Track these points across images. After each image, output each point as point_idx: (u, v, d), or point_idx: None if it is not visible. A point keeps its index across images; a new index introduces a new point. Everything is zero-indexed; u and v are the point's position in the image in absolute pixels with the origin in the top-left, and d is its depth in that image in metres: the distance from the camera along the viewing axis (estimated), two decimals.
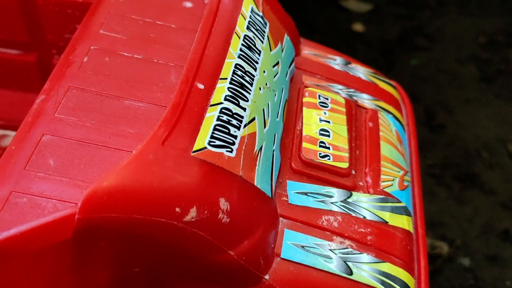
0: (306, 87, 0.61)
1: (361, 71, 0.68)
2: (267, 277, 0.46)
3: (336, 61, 0.68)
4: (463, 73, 1.50)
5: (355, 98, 0.63)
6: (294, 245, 0.48)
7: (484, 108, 1.39)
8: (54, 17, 0.76)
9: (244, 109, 0.48)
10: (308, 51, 0.67)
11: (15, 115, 0.87)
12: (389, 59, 1.51)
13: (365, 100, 0.64)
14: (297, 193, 0.51)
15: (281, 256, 0.47)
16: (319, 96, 0.60)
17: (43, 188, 0.40)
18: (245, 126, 0.47)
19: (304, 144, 0.54)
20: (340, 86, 0.63)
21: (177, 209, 0.40)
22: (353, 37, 1.57)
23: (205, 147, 0.43)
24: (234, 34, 0.53)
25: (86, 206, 0.38)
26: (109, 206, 0.38)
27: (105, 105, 0.47)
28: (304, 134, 0.55)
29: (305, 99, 0.59)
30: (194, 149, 0.43)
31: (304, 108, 0.58)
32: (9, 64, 0.82)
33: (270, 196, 0.48)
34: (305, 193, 0.52)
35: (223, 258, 0.43)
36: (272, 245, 0.46)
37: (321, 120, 0.57)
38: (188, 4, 0.58)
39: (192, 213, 0.40)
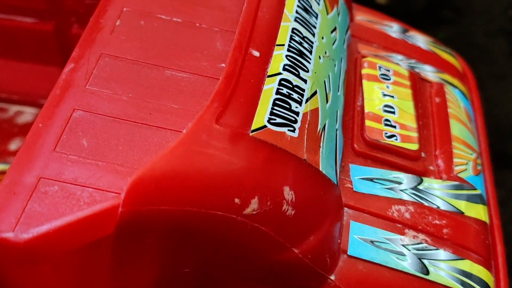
0: (364, 57, 0.53)
1: (420, 40, 0.60)
2: (333, 277, 0.39)
3: (393, 28, 0.60)
4: (492, 48, 1.41)
5: (417, 70, 0.56)
6: (362, 240, 0.41)
7: None
8: None
9: (305, 81, 0.41)
10: (362, 17, 0.59)
11: (31, 89, 0.81)
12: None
13: (428, 72, 0.56)
14: (362, 179, 0.45)
15: (348, 253, 0.40)
16: (380, 67, 0.53)
17: (77, 173, 0.33)
18: (307, 100, 0.40)
19: (368, 122, 0.47)
20: (400, 57, 0.56)
21: (236, 200, 0.33)
22: (378, 9, 1.49)
23: (265, 126, 0.37)
24: None
25: (132, 197, 0.31)
26: (158, 197, 0.31)
27: (143, 75, 0.40)
28: (366, 110, 0.48)
29: (364, 71, 0.52)
30: (252, 127, 0.36)
31: (364, 81, 0.51)
32: (24, 33, 0.75)
33: (335, 182, 0.41)
34: (371, 179, 0.45)
35: (286, 257, 0.36)
36: (338, 241, 0.40)
37: (384, 95, 0.50)
38: None
39: (253, 204, 0.34)
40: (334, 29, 0.49)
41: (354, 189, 0.43)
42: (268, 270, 0.37)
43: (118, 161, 0.34)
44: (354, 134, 0.47)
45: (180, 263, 0.35)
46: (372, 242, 0.41)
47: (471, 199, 0.47)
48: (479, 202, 0.48)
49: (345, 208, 0.42)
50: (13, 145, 0.76)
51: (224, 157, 0.33)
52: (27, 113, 0.81)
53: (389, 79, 0.52)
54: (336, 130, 0.44)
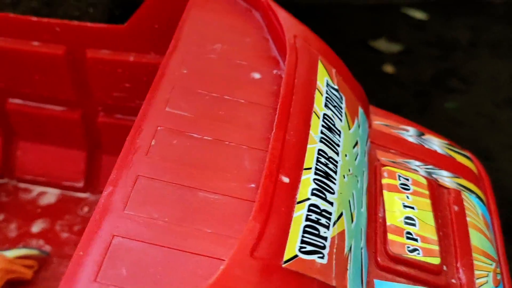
0: (383, 165, 0.56)
1: (436, 143, 0.63)
2: None
3: (409, 132, 0.62)
4: (501, 117, 1.44)
5: (434, 176, 0.58)
6: None
7: None
8: (103, 76, 0.73)
9: (332, 204, 0.43)
10: (379, 121, 0.62)
11: (56, 171, 0.84)
12: (423, 102, 1.46)
13: (445, 178, 0.58)
14: None
15: None
16: (399, 176, 0.55)
17: None
18: (334, 224, 0.42)
19: (390, 236, 0.49)
20: (417, 163, 0.58)
21: None
22: (385, 79, 1.53)
23: (297, 255, 0.38)
24: (313, 113, 0.48)
25: None
26: None
27: (177, 198, 0.42)
28: (388, 223, 0.50)
29: (384, 181, 0.54)
30: (285, 258, 0.37)
31: (384, 192, 0.53)
32: (52, 120, 0.78)
33: None
34: None
35: None
36: None
37: (405, 206, 0.52)
38: (256, 76, 0.54)
39: None
40: (356, 144, 0.52)
41: None
42: None
43: None
44: (377, 248, 0.48)
45: None
46: None
47: None
48: None
49: None
50: (35, 228, 0.78)
51: None
52: (50, 194, 0.82)
53: (409, 189, 0.54)
54: (361, 248, 0.45)
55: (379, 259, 0.47)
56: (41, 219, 0.78)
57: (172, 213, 0.41)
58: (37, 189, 0.83)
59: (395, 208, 0.51)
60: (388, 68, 1.56)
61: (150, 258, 0.38)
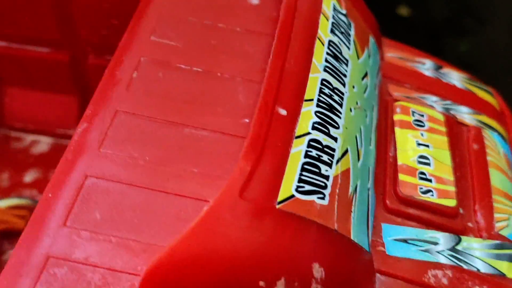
0: (396, 100, 0.50)
1: (455, 77, 0.57)
2: None
3: (426, 65, 0.57)
4: None
5: (453, 112, 0.52)
6: None
7: None
8: (89, 12, 0.67)
9: (335, 139, 0.38)
10: (392, 53, 0.56)
11: (47, 118, 0.80)
12: (436, 45, 1.38)
13: (465, 114, 0.53)
14: (396, 240, 0.41)
15: None
16: (413, 112, 0.49)
17: (89, 252, 0.31)
18: (337, 161, 0.37)
19: (401, 176, 0.44)
20: (434, 98, 0.53)
21: (261, 283, 0.30)
22: (398, 21, 1.45)
23: (293, 195, 0.34)
24: (317, 40, 0.43)
25: (149, 282, 0.29)
26: (178, 282, 0.29)
27: (161, 135, 0.37)
28: (399, 162, 0.45)
29: (396, 117, 0.49)
30: (279, 199, 0.33)
31: (396, 128, 0.48)
32: (39, 63, 0.74)
33: (367, 249, 0.38)
34: (405, 240, 0.41)
35: None
36: None
37: (418, 144, 0.47)
38: (254, 1, 0.48)
39: (280, 286, 0.31)
40: (365, 75, 0.46)
41: (387, 253, 0.40)
42: None
43: (133, 236, 0.32)
44: (386, 190, 0.43)
45: None
46: None
47: None
48: None
49: (377, 275, 0.39)
50: (28, 177, 0.75)
51: (248, 236, 0.31)
52: (42, 143, 0.79)
53: (424, 126, 0.49)
54: (368, 189, 0.41)
55: (388, 201, 0.43)
56: (34, 169, 0.75)
57: (154, 152, 0.36)
58: (29, 137, 0.79)
59: (407, 146, 0.46)
60: (403, 11, 1.48)
61: (127, 200, 0.34)
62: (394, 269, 0.40)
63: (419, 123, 0.49)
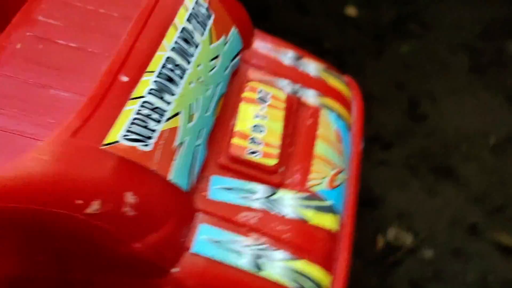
0: (249, 81, 0.61)
1: (311, 67, 0.68)
2: (175, 270, 0.47)
3: (288, 55, 0.68)
4: (453, 63, 1.47)
5: (299, 94, 0.64)
6: (207, 240, 0.49)
7: (470, 99, 1.38)
8: None
9: (169, 103, 0.49)
10: (260, 43, 0.67)
11: None
12: (379, 45, 1.50)
13: (310, 96, 0.64)
14: (220, 188, 0.53)
15: (191, 251, 0.48)
16: (260, 91, 0.61)
17: None
18: (167, 120, 0.48)
19: (234, 140, 0.55)
20: (286, 81, 0.64)
21: (78, 201, 0.41)
22: (345, 21, 1.56)
23: (117, 141, 0.45)
24: (172, 26, 0.53)
25: None
26: (8, 196, 0.39)
27: (30, 93, 0.47)
28: (236, 129, 0.56)
29: (244, 94, 0.60)
30: (104, 142, 0.44)
31: (241, 103, 0.59)
32: None
33: (185, 190, 0.49)
34: (228, 189, 0.53)
35: (128, 251, 0.44)
36: (183, 240, 0.48)
37: (256, 116, 0.58)
38: None
39: (95, 205, 0.42)
40: (216, 57, 0.57)
41: (208, 197, 0.51)
42: (114, 261, 0.45)
43: None
44: (220, 150, 0.55)
45: (35, 252, 0.43)
46: (216, 242, 0.49)
47: (319, 209, 0.55)
48: (328, 212, 0.56)
49: (198, 213, 0.50)
50: None
51: (69, 165, 0.41)
52: None
53: (266, 102, 0.60)
54: (198, 146, 0.52)
55: (219, 159, 0.54)
56: None
57: (20, 105, 0.46)
58: None
59: (247, 117, 0.58)
60: (351, 11, 1.59)
61: None
62: (213, 209, 0.51)
63: (263, 100, 0.60)
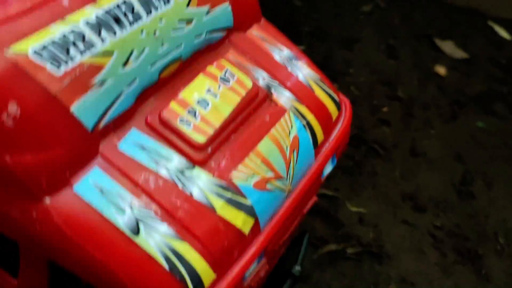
0: (221, 59, 0.59)
1: (304, 71, 0.64)
2: (47, 200, 0.45)
3: (282, 52, 0.64)
4: None
5: (273, 90, 0.60)
6: (94, 185, 0.47)
7: None
8: None
9: (103, 40, 0.48)
10: (258, 32, 0.64)
11: None
12: (455, 111, 1.41)
13: (284, 96, 0.60)
14: (135, 143, 0.50)
15: (73, 189, 0.46)
16: (226, 71, 0.58)
17: None
18: (93, 55, 0.47)
19: (171, 105, 0.53)
20: (264, 74, 0.60)
21: None
22: (430, 77, 1.49)
23: (26, 52, 0.44)
24: None
25: None
26: None
27: None
28: (179, 96, 0.54)
29: (208, 68, 0.57)
30: (10, 47, 0.43)
31: (200, 75, 0.56)
32: None
33: (89, 128, 0.47)
34: (143, 147, 0.50)
35: (1, 162, 0.43)
36: (66, 173, 0.46)
37: (208, 91, 0.55)
38: None
39: None
40: (189, 21, 0.55)
41: (118, 147, 0.49)
42: None
43: None
44: (155, 109, 0.52)
45: None
46: (101, 190, 0.47)
47: (232, 203, 0.51)
48: (242, 210, 0.51)
49: (99, 157, 0.48)
50: None
51: None
52: None
53: (227, 83, 0.57)
54: (124, 93, 0.50)
55: (149, 117, 0.52)
56: None
57: None
58: None
59: (197, 88, 0.55)
60: (440, 70, 1.53)
61: None
62: (116, 159, 0.49)
63: (225, 80, 0.57)
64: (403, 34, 1.56)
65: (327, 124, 0.62)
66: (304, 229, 0.85)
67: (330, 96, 0.64)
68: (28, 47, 0.44)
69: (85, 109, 0.47)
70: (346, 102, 0.67)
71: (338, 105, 0.65)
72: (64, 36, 0.46)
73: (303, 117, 0.60)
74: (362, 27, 1.53)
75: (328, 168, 0.64)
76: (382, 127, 1.26)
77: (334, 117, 0.64)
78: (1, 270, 0.56)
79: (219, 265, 0.49)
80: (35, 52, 0.44)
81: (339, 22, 1.55)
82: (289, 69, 0.63)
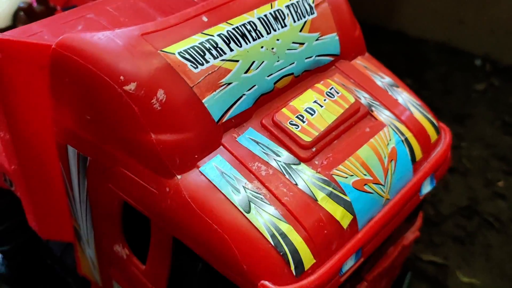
0: (329, 79, 0.66)
1: (403, 96, 0.70)
2: (179, 176, 0.54)
3: (384, 79, 0.71)
4: None
5: (373, 108, 0.66)
6: (216, 167, 0.55)
7: None
8: None
9: (232, 50, 0.58)
10: (362, 61, 0.72)
11: None
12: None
13: (384, 114, 0.66)
14: (251, 138, 0.58)
15: (199, 169, 0.54)
16: (332, 88, 0.65)
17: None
18: (222, 60, 0.57)
19: (283, 110, 0.61)
20: (366, 95, 0.67)
21: (121, 78, 0.52)
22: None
23: (173, 53, 0.54)
24: (269, 4, 0.63)
25: (59, 43, 0.53)
26: (82, 54, 0.52)
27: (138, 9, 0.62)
28: (290, 103, 0.62)
29: (316, 85, 0.65)
30: (163, 49, 0.54)
31: (309, 89, 0.64)
32: None
33: (215, 119, 0.56)
34: (257, 142, 0.58)
35: (145, 138, 0.53)
36: (196, 156, 0.54)
37: (315, 102, 0.63)
38: None
39: (131, 85, 0.52)
40: (301, 44, 0.64)
41: (237, 139, 0.57)
42: (134, 145, 0.54)
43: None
44: (269, 113, 0.60)
45: (83, 109, 0.55)
46: (222, 173, 0.54)
47: (333, 196, 0.56)
48: (342, 205, 0.56)
49: (222, 147, 0.56)
50: None
51: (128, 51, 0.52)
52: None
53: (331, 97, 0.64)
54: (244, 95, 0.58)
55: (264, 120, 0.60)
56: None
57: (131, 14, 0.60)
58: None
59: (306, 99, 0.63)
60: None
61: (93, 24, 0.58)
62: (234, 149, 0.57)
63: (330, 94, 0.64)
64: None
65: (425, 143, 0.67)
66: (407, 269, 0.85)
67: (428, 119, 0.69)
68: (176, 49, 0.55)
69: (213, 103, 0.56)
70: (446, 129, 0.71)
71: (437, 129, 0.69)
72: (202, 43, 0.57)
73: (402, 133, 0.65)
74: (475, 104, 1.53)
75: (427, 187, 0.67)
76: (497, 201, 1.23)
77: (433, 139, 0.68)
78: (133, 257, 0.64)
79: (318, 252, 0.54)
80: (179, 53, 0.55)
81: (451, 99, 1.55)
82: (389, 92, 0.69)
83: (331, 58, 0.68)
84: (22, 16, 1.04)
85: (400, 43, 1.82)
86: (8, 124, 0.61)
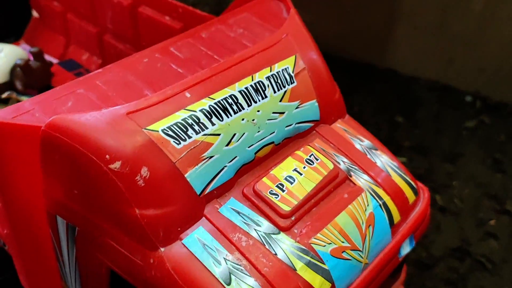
0: (308, 145, 0.69)
1: (382, 159, 0.72)
2: (162, 249, 0.56)
3: (363, 143, 0.73)
4: None
5: (352, 173, 0.68)
6: (198, 239, 0.57)
7: None
8: None
9: (213, 124, 0.61)
10: (342, 125, 0.75)
11: None
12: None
13: (362, 179, 0.68)
14: (232, 208, 0.61)
15: (182, 241, 0.57)
16: (311, 154, 0.68)
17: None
18: (204, 135, 0.60)
19: (264, 179, 0.63)
20: (345, 159, 0.70)
21: (107, 156, 0.54)
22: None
23: (157, 131, 0.57)
24: (250, 77, 0.66)
25: (49, 125, 0.56)
26: (70, 133, 0.55)
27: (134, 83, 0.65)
28: (271, 172, 0.64)
29: (296, 152, 0.68)
30: (147, 127, 0.57)
31: (289, 157, 0.67)
32: None
33: (197, 192, 0.58)
34: (238, 212, 0.60)
35: (130, 213, 0.55)
36: (179, 229, 0.57)
37: (294, 170, 0.65)
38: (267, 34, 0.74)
39: (117, 164, 0.54)
40: (281, 113, 0.67)
41: (218, 210, 0.60)
42: (120, 218, 0.56)
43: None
44: (250, 182, 0.63)
45: (72, 183, 0.57)
46: (204, 244, 0.57)
47: (311, 266, 0.58)
48: (320, 274, 0.58)
49: (204, 218, 0.59)
50: None
51: (114, 131, 0.55)
52: None
53: (311, 164, 0.67)
54: (226, 167, 0.61)
55: (245, 189, 0.62)
56: None
57: (125, 90, 0.64)
58: None
59: (286, 168, 0.65)
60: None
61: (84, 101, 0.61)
62: (216, 220, 0.59)
63: (309, 162, 0.67)
64: (510, 149, 1.55)
65: (403, 206, 0.69)
66: None
67: (406, 181, 0.72)
68: (159, 127, 0.58)
69: (196, 176, 0.59)
70: (424, 189, 0.74)
71: (415, 190, 0.72)
72: (185, 119, 0.60)
73: (379, 197, 0.67)
74: (466, 142, 1.54)
75: (406, 248, 0.69)
76: (489, 241, 1.23)
77: (411, 201, 0.71)
78: None
79: None
80: (163, 130, 0.58)
81: (442, 137, 1.56)
82: (368, 156, 0.72)
83: (311, 124, 0.71)
84: (19, 72, 1.08)
85: (392, 81, 1.86)
86: (0, 193, 0.63)
